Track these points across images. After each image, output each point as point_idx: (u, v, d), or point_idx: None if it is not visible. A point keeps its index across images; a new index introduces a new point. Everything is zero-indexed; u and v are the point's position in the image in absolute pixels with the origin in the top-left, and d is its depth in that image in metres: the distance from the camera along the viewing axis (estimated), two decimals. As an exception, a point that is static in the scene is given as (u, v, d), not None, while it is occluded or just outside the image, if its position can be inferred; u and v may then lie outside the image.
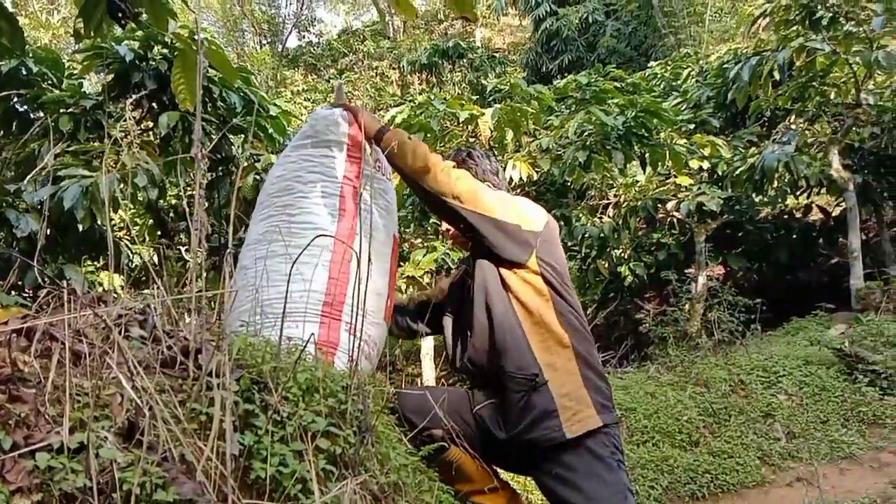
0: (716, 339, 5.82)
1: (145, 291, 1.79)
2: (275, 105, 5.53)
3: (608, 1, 19.56)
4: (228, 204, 5.52)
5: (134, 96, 5.16)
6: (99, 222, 4.40)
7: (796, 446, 4.42)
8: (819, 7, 6.17)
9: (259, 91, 5.28)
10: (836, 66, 6.69)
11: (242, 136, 5.67)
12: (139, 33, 4.88)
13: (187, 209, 2.03)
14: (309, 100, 23.54)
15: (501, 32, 28.71)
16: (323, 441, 1.74)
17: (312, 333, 1.89)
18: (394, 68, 25.67)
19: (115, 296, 1.84)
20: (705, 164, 7.33)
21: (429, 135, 5.68)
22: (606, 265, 8.33)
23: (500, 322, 2.17)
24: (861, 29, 6.01)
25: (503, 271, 2.18)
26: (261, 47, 31.09)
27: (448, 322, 2.36)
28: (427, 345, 6.79)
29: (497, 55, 20.74)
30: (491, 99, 7.46)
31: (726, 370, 5.14)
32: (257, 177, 5.29)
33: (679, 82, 11.03)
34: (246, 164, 5.39)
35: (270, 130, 5.65)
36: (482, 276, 2.20)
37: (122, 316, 1.63)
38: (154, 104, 5.35)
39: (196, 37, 2.03)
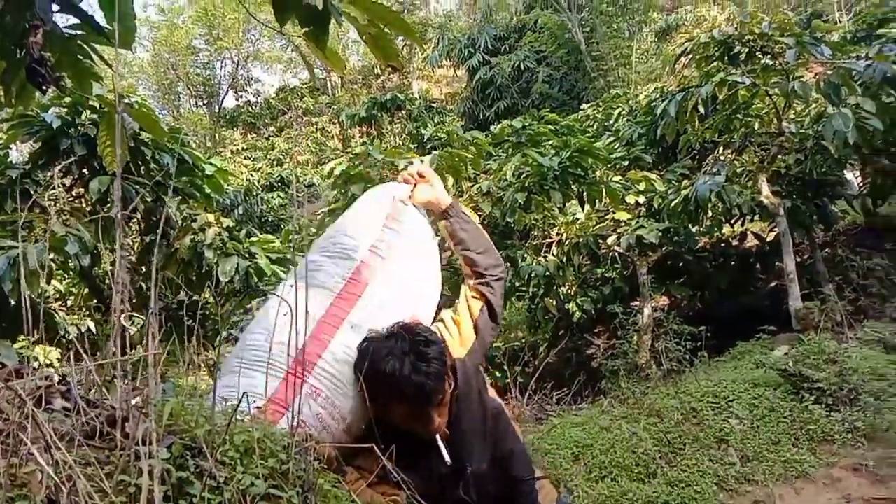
0: (665, 368, 5.88)
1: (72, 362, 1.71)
2: (210, 164, 5.48)
3: (539, 48, 20.15)
4: (166, 266, 5.40)
5: (63, 163, 5.06)
6: (30, 294, 4.25)
7: (751, 469, 4.45)
8: (736, 43, 6.46)
9: (193, 150, 5.23)
10: (757, 97, 6.97)
11: (179, 197, 5.59)
12: (67, 99, 4.80)
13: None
14: (249, 157, 23.48)
15: (438, 83, 29.26)
16: (263, 504, 1.68)
17: (245, 393, 1.83)
18: (334, 123, 25.85)
19: (36, 368, 1.76)
20: (641, 199, 7.51)
21: (369, 185, 5.68)
22: (554, 303, 8.39)
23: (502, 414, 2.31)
24: (777, 62, 6.30)
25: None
26: (197, 108, 30.99)
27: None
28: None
29: (435, 105, 21.07)
30: (430, 147, 7.54)
31: (677, 399, 5.18)
32: (194, 237, 5.21)
33: (611, 122, 11.37)
34: (182, 224, 5.30)
35: (207, 189, 5.59)
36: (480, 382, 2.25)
37: (42, 388, 1.55)
38: (85, 170, 5.24)
39: (117, 97, 2.00)
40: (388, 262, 2.22)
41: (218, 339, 6.50)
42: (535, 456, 4.82)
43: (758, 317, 6.67)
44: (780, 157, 7.19)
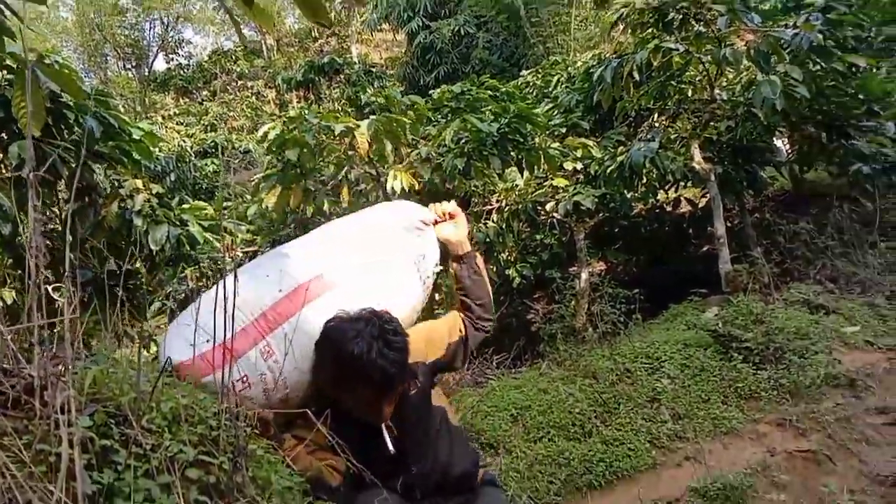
0: (600, 331, 6.01)
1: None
2: (137, 128, 5.26)
3: (479, 14, 19.99)
4: (93, 235, 5.20)
5: (-22, 126, 4.79)
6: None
7: (682, 426, 4.61)
8: (670, 10, 6.52)
9: (119, 114, 5.01)
10: (691, 64, 7.08)
11: (105, 163, 5.37)
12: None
13: (49, 243, 1.88)
14: (182, 123, 22.75)
15: (377, 48, 28.83)
16: (193, 471, 1.64)
17: (169, 358, 1.80)
18: (269, 87, 25.24)
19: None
20: (579, 165, 7.58)
21: (305, 150, 5.58)
22: (494, 269, 8.45)
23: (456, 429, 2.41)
24: (709, 29, 6.39)
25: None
26: (125, 71, 29.80)
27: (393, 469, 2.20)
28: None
29: (374, 70, 20.75)
30: (367, 112, 7.43)
31: (612, 360, 5.31)
32: (121, 204, 5.02)
33: (550, 89, 11.39)
34: (109, 191, 5.10)
35: (135, 155, 5.38)
36: (427, 396, 2.30)
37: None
38: (3, 133, 4.98)
39: (25, 53, 1.88)
40: (391, 257, 2.29)
41: (148, 309, 6.34)
42: (474, 419, 4.89)
43: (690, 280, 6.87)
44: (712, 123, 7.34)
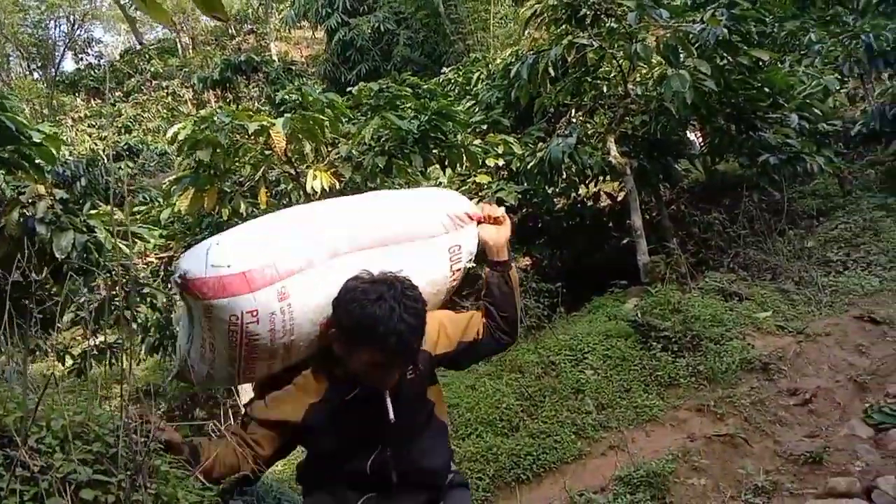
0: (525, 325, 6.06)
1: None
2: (38, 131, 4.99)
3: (397, 10, 19.93)
4: (-7, 244, 4.91)
5: None
6: None
7: (606, 416, 4.69)
8: (582, 5, 6.63)
9: (15, 116, 4.73)
10: (605, 60, 7.21)
11: (4, 168, 5.08)
12: None
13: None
14: (94, 125, 21.84)
15: (297, 45, 28.36)
16: (88, 492, 1.54)
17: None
18: (186, 87, 24.49)
19: None
20: (501, 162, 7.63)
21: (218, 150, 5.41)
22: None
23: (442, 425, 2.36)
24: (620, 25, 6.52)
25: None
26: (31, 73, 28.42)
27: (375, 439, 2.15)
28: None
29: (294, 68, 20.42)
30: (283, 110, 7.27)
31: (537, 354, 5.36)
32: (24, 211, 4.75)
33: (471, 86, 11.45)
34: (9, 198, 4.83)
35: (37, 160, 5.11)
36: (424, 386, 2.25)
37: None
38: None
39: None
40: (427, 236, 2.25)
41: (60, 321, 6.03)
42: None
43: (611, 272, 7.00)
44: (627, 118, 7.51)
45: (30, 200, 4.97)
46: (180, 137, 5.43)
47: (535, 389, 4.97)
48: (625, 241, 7.73)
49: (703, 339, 5.22)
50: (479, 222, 2.37)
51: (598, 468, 4.26)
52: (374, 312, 1.92)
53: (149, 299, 5.73)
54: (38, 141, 5.06)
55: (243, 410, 2.21)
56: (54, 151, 5.30)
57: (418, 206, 2.39)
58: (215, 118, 5.30)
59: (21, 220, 4.90)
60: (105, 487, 1.57)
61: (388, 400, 2.06)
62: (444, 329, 2.25)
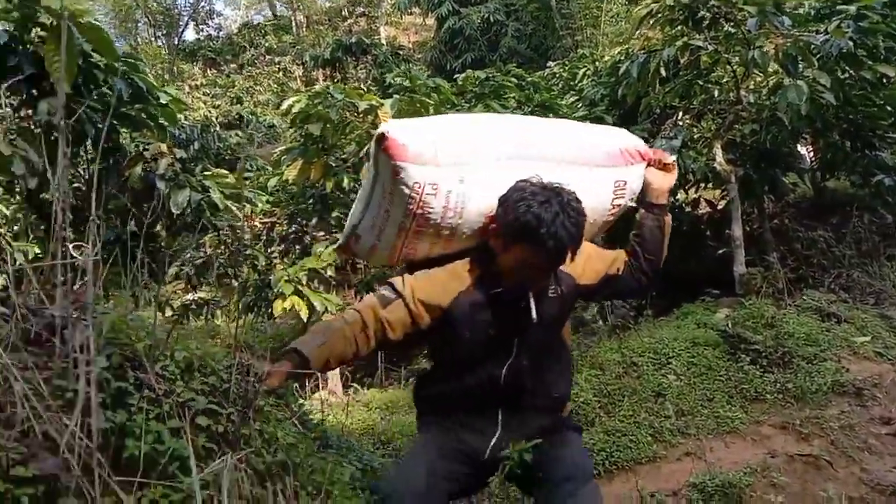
0: (610, 324, 6.04)
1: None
2: (165, 93, 5.32)
3: (509, 1, 19.90)
4: (117, 196, 5.28)
5: (10, 80, 4.86)
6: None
7: (685, 423, 4.63)
8: (700, 7, 6.47)
9: (147, 77, 5.06)
10: (718, 65, 7.03)
11: (131, 125, 5.44)
12: (15, 14, 4.59)
13: (74, 202, 1.93)
14: (208, 94, 22.87)
15: (406, 31, 28.74)
16: (202, 419, 1.69)
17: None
18: (297, 64, 25.27)
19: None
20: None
21: (328, 125, 5.62)
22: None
23: (568, 350, 2.44)
24: (739, 30, 6.34)
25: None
26: (156, 39, 29.95)
27: (510, 342, 2.25)
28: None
29: (402, 53, 20.72)
30: (391, 92, 7.46)
31: (620, 353, 5.33)
32: (146, 167, 5.09)
33: (576, 82, 11.34)
34: (134, 153, 5.18)
35: (161, 119, 5.45)
36: (563, 311, 2.33)
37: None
38: (34, 90, 5.05)
39: (63, 7, 1.93)
40: (598, 165, 2.34)
41: (166, 273, 6.42)
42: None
43: (704, 280, 6.86)
44: (736, 125, 7.30)
45: (152, 157, 5.32)
46: (294, 110, 5.68)
47: (615, 388, 4.95)
48: (722, 252, 7.54)
49: (794, 357, 5.07)
50: (648, 164, 2.42)
51: (673, 473, 4.23)
52: (540, 214, 2.01)
53: (251, 261, 6.05)
54: (165, 102, 5.40)
55: (382, 286, 2.29)
56: (177, 114, 5.64)
57: (595, 134, 2.49)
58: (329, 94, 5.50)
59: (143, 174, 5.25)
60: (217, 418, 1.72)
61: (532, 301, 2.15)
62: (590, 260, 2.32)
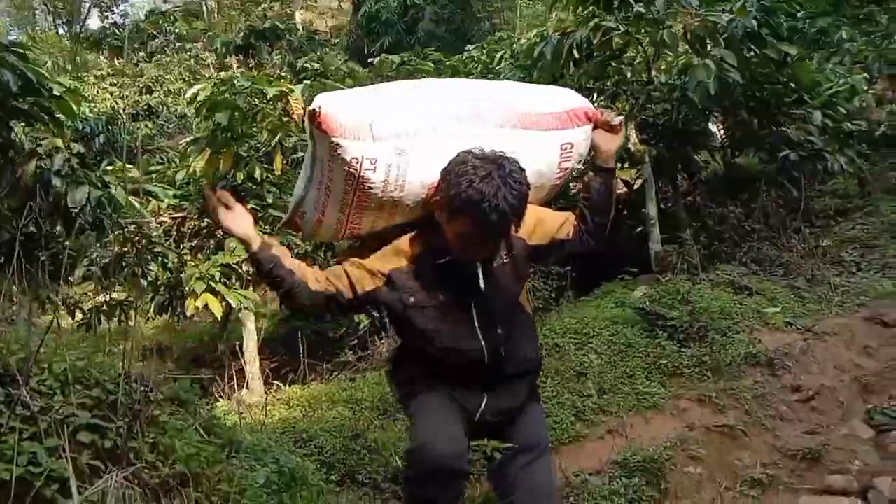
0: (532, 306, 6.05)
1: None
2: (59, 84, 5.01)
3: (425, -16, 19.78)
4: (10, 195, 4.96)
5: None
6: None
7: (606, 401, 4.69)
8: (611, -11, 6.55)
9: (37, 68, 4.75)
10: (630, 46, 7.13)
11: (24, 119, 5.10)
12: None
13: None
14: (115, 84, 21.87)
15: (322, 15, 28.21)
16: (85, 435, 1.57)
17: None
18: (209, 51, 24.45)
19: None
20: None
21: (236, 113, 5.42)
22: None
23: (529, 315, 2.50)
24: (648, 10, 6.43)
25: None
26: (56, 28, 28.48)
27: (471, 313, 2.26)
28: (250, 332, 6.50)
29: (318, 37, 20.31)
30: (304, 77, 7.26)
31: (542, 335, 5.35)
32: (40, 163, 4.78)
33: (494, 65, 11.34)
34: (27, 149, 4.85)
35: (56, 113, 5.12)
36: (518, 274, 2.35)
37: None
38: None
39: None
40: (544, 127, 2.31)
41: (72, 275, 6.09)
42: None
43: (622, 259, 6.96)
44: (649, 105, 7.42)
45: (46, 153, 5.00)
46: (199, 98, 5.45)
47: (538, 370, 4.97)
48: (638, 230, 7.68)
49: (709, 331, 5.20)
50: (595, 126, 2.40)
51: (596, 451, 4.27)
52: (480, 188, 2.01)
53: (160, 258, 5.79)
54: (59, 94, 5.08)
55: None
56: (74, 106, 5.32)
57: (540, 97, 2.44)
58: (235, 81, 5.30)
59: (37, 171, 4.93)
60: (103, 432, 1.60)
61: (480, 270, 2.19)
62: (541, 223, 2.35)
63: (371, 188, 2.11)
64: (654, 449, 4.03)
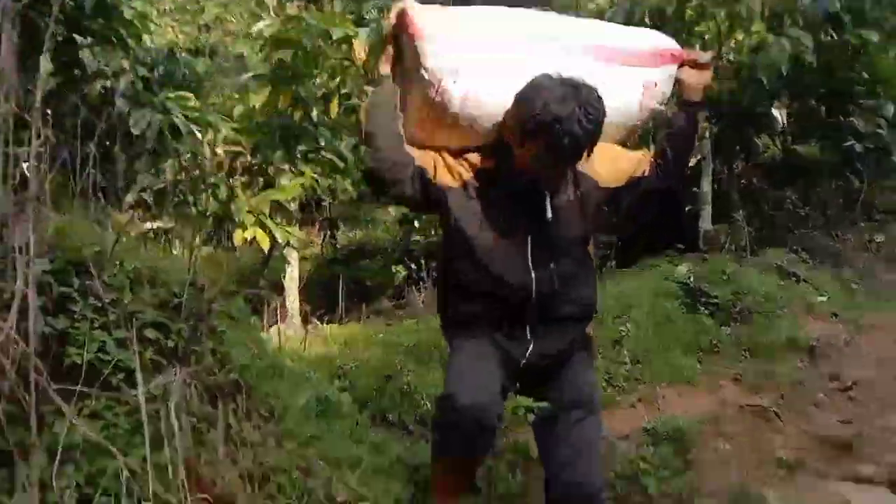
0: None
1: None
2: (130, 7, 5.08)
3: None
4: (75, 113, 5.07)
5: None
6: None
7: (640, 370, 4.70)
8: (689, -43, 6.36)
9: (113, -11, 4.81)
10: (704, 18, 6.93)
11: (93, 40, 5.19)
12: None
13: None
14: (177, 20, 22.04)
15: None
16: (151, 332, 1.64)
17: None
18: (271, -7, 24.43)
19: None
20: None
21: (300, 52, 5.41)
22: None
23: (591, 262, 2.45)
24: (727, -19, 6.25)
25: None
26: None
27: (527, 245, 2.22)
28: (293, 269, 6.57)
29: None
30: (366, 23, 7.21)
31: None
32: (105, 83, 4.87)
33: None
34: (95, 69, 4.94)
35: (125, 36, 5.20)
36: (584, 215, 2.29)
37: None
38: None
39: None
40: (628, 66, 2.27)
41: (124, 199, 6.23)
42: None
43: (669, 236, 6.88)
44: (715, 82, 7.24)
45: (113, 73, 5.09)
46: (265, 34, 5.45)
47: (575, 335, 4.98)
48: (689, 208, 7.57)
49: (752, 312, 5.15)
50: (681, 64, 2.36)
51: (626, 418, 4.29)
52: (555, 110, 1.97)
53: (212, 189, 5.88)
54: (129, 17, 5.16)
55: None
56: (142, 30, 5.41)
57: (626, 33, 2.43)
58: (304, 19, 5.29)
59: (102, 91, 5.03)
60: (167, 331, 1.67)
61: (548, 198, 2.15)
62: (615, 162, 2.31)
63: (449, 104, 2.09)
64: (684, 421, 4.03)
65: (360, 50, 5.89)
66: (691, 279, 5.53)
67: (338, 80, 6.38)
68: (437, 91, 2.06)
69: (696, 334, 5.02)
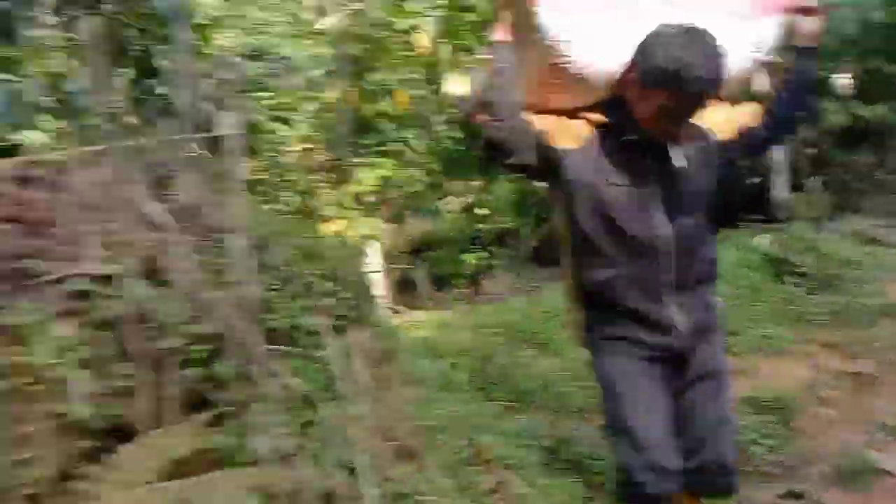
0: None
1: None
2: (204, 11, 5.22)
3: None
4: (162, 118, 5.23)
5: (51, -1, 4.77)
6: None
7: (732, 342, 4.64)
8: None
9: (186, -3, 4.95)
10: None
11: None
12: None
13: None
14: (224, 26, 22.41)
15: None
16: (327, 300, 1.73)
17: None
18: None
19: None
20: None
21: (369, 45, 5.52)
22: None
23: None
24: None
25: None
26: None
27: (653, 194, 2.12)
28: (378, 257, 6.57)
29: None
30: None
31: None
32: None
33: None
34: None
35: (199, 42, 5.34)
36: (708, 166, 2.18)
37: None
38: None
39: None
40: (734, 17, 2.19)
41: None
42: (524, 322, 4.97)
43: (744, 205, 6.80)
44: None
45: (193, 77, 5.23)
46: (333, 30, 5.55)
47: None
48: (758, 179, 7.46)
49: (840, 280, 5.08)
50: (791, 12, 2.26)
51: (724, 389, 4.27)
52: (682, 57, 1.91)
53: (292, 185, 6.05)
54: (204, 23, 5.30)
55: None
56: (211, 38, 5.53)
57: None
58: (369, 13, 5.38)
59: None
60: (337, 300, 1.76)
61: (672, 149, 2.08)
62: (728, 115, 2.23)
63: (567, 64, 2.06)
64: (783, 390, 4.00)
65: (422, 40, 5.96)
66: (774, 248, 5.47)
67: (402, 70, 6.47)
68: (554, 52, 2.05)
69: (785, 303, 4.97)
